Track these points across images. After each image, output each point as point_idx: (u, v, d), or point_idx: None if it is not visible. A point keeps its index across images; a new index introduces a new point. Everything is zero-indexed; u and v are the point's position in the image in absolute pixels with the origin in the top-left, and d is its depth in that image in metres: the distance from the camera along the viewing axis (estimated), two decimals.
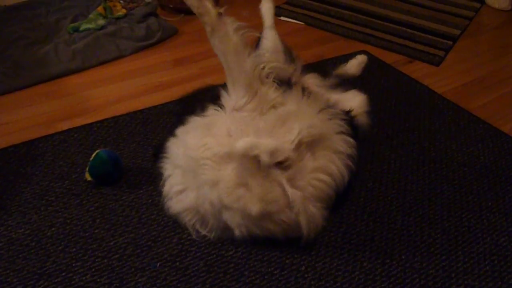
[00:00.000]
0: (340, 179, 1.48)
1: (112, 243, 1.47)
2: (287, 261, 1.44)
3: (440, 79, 2.45)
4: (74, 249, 1.45)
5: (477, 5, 3.37)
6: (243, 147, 1.24)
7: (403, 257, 1.49)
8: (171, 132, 1.56)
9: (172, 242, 1.48)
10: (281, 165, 1.33)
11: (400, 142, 1.96)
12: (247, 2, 3.15)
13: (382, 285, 1.40)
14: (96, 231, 1.50)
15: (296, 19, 2.95)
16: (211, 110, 1.48)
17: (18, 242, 1.45)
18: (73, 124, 1.94)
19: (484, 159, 1.91)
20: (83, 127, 1.93)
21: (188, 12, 2.88)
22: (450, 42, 2.80)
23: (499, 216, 1.66)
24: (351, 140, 1.55)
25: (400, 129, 2.03)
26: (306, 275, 1.41)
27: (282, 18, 2.97)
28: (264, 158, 1.24)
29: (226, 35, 1.45)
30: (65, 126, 1.93)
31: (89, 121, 1.96)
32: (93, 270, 1.39)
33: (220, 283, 1.37)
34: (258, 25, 2.81)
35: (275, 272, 1.41)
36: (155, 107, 2.06)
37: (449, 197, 1.72)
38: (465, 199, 1.72)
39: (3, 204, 1.57)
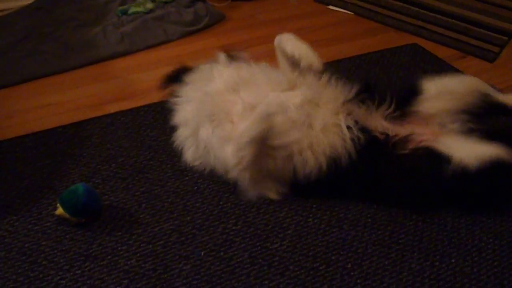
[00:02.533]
0: None
1: (157, 229, 1.47)
2: (333, 257, 1.41)
3: (494, 76, 2.35)
4: (119, 233, 1.45)
5: None
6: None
7: (453, 260, 1.44)
8: None
9: (217, 231, 1.47)
10: None
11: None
12: None
13: None
14: (142, 216, 1.51)
15: (345, 9, 2.88)
16: None
17: (65, 222, 1.46)
18: (120, 107, 1.95)
19: None
20: (130, 110, 1.93)
21: None
22: (506, 38, 2.68)
23: None
24: None
25: None
26: (352, 273, 1.37)
27: (330, 7, 2.90)
28: None
29: None
30: (112, 109, 1.94)
31: (136, 105, 1.97)
32: (138, 255, 1.40)
33: (264, 276, 1.36)
34: (304, 14, 2.79)
35: (321, 268, 1.38)
36: None
37: (502, 202, 1.65)
38: None
39: (51, 184, 1.59)
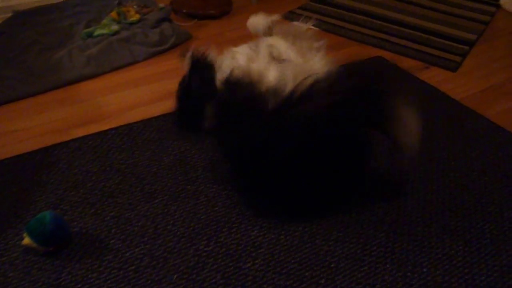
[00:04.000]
0: None
1: (128, 254, 1.45)
2: (306, 274, 1.41)
3: (458, 86, 2.41)
4: (89, 260, 1.43)
5: (493, 9, 3.33)
6: None
7: (424, 270, 1.45)
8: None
9: (189, 253, 1.46)
10: None
11: (418, 151, 1.92)
12: (259, 9, 3.13)
13: None
14: (112, 241, 1.48)
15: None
16: None
17: (33, 252, 1.43)
18: (87, 131, 1.93)
19: (504, 168, 1.87)
20: (98, 134, 1.91)
21: (201, 17, 2.87)
22: (467, 47, 2.76)
23: None
24: None
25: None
26: None
27: (295, 23, 2.93)
28: None
29: None
30: (79, 132, 1.92)
31: (103, 128, 1.95)
32: (109, 282, 1.37)
33: None
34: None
35: (294, 285, 1.38)
36: (169, 114, 2.04)
37: (470, 208, 1.68)
38: (486, 210, 1.68)
39: (18, 212, 1.56)
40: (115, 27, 2.57)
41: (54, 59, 2.34)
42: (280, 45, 1.82)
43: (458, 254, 1.51)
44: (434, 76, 2.46)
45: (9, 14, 2.69)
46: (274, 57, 1.81)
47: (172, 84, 2.24)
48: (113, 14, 2.66)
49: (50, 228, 1.39)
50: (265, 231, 1.54)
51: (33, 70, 2.26)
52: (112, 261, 1.43)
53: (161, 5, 2.83)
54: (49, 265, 1.40)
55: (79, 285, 1.35)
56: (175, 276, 1.39)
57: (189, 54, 1.96)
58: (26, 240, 1.41)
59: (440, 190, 1.74)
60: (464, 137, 2.02)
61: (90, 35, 2.52)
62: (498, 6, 3.37)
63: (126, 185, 1.68)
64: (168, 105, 2.09)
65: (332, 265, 1.44)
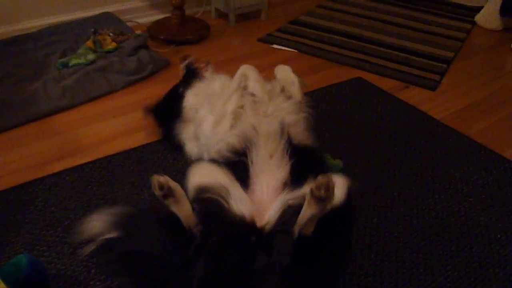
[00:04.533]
0: None
1: None
2: None
3: (438, 104, 2.41)
4: None
5: (469, 26, 3.38)
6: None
7: None
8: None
9: None
10: None
11: (402, 173, 1.91)
12: (237, 32, 3.14)
13: None
14: (91, 283, 1.43)
15: (288, 47, 2.92)
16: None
17: None
18: (64, 166, 1.87)
19: (489, 188, 1.86)
20: (75, 168, 1.86)
21: (179, 42, 2.85)
22: (445, 65, 2.78)
23: (509, 249, 1.60)
24: None
25: (401, 159, 1.98)
26: None
27: (274, 46, 2.94)
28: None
29: None
30: (56, 168, 1.86)
31: (81, 161, 1.90)
32: None
33: None
34: (249, 55, 2.80)
35: None
36: (149, 144, 2.00)
37: (457, 231, 1.66)
38: (473, 232, 1.66)
39: None
40: (91, 56, 2.53)
41: (29, 91, 2.28)
42: (252, 78, 1.78)
43: (448, 280, 1.49)
44: (414, 96, 2.47)
45: None
46: (243, 87, 1.77)
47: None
48: (89, 43, 2.62)
49: (26, 272, 1.34)
50: None
51: (7, 103, 2.20)
52: None
53: (138, 32, 2.80)
54: None
55: None
56: None
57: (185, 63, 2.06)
58: (1, 286, 1.34)
59: (425, 214, 1.72)
60: (447, 157, 2.02)
61: (65, 65, 2.47)
62: (474, 23, 3.42)
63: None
64: (147, 135, 2.06)
65: None
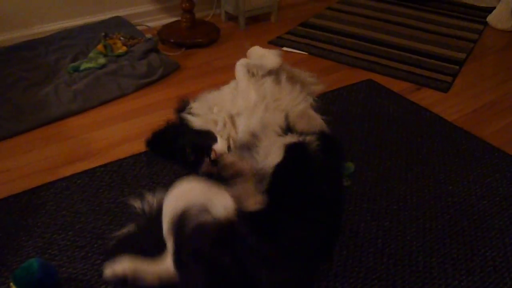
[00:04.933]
0: None
1: None
2: None
3: (450, 106, 2.39)
4: None
5: (480, 27, 3.34)
6: None
7: None
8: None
9: None
10: None
11: (415, 176, 1.89)
12: (247, 35, 3.14)
13: None
14: (103, 287, 1.42)
15: (298, 49, 2.91)
16: None
17: None
18: (75, 170, 1.88)
19: (503, 191, 1.84)
20: (86, 172, 1.86)
21: (189, 46, 2.85)
22: (457, 67, 2.76)
23: None
24: None
25: (414, 162, 1.96)
26: None
27: (284, 48, 2.93)
28: None
29: None
30: (67, 171, 1.87)
31: (92, 165, 1.90)
32: None
33: None
34: None
35: None
36: None
37: (470, 234, 1.64)
38: (487, 236, 1.64)
39: (3, 259, 1.50)
40: (102, 60, 2.54)
41: (41, 95, 2.30)
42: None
43: (462, 284, 1.47)
44: (426, 98, 2.44)
45: None
46: (253, 73, 1.81)
47: (162, 117, 2.20)
48: (100, 47, 2.63)
49: (38, 276, 1.34)
50: None
51: (19, 108, 2.21)
52: None
53: (148, 35, 2.81)
54: None
55: None
56: None
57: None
58: None
59: (439, 217, 1.70)
60: (460, 159, 1.99)
61: (76, 69, 2.48)
62: (486, 24, 3.38)
63: (117, 225, 1.62)
64: None
65: None
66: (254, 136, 1.57)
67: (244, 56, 2.69)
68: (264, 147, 1.51)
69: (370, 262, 1.52)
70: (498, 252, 1.58)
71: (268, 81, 1.78)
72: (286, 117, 1.62)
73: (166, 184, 1.78)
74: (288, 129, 1.58)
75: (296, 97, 1.75)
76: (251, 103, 1.71)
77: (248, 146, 1.55)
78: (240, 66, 1.87)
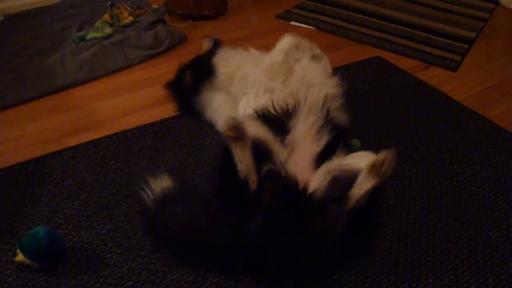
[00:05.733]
0: None
1: (125, 269, 1.40)
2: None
3: (458, 86, 2.37)
4: (85, 276, 1.38)
5: (492, 5, 3.29)
6: None
7: (430, 280, 1.42)
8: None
9: (187, 267, 1.41)
10: None
11: (420, 155, 1.89)
12: (255, 8, 3.10)
13: None
14: (108, 255, 1.44)
15: (307, 24, 2.88)
16: None
17: (27, 269, 1.38)
18: (81, 140, 1.88)
19: (508, 172, 1.83)
20: (92, 142, 1.86)
21: (196, 17, 2.82)
22: (466, 46, 2.72)
23: None
24: None
25: (420, 141, 1.96)
26: None
27: (292, 23, 2.89)
28: None
29: None
30: (73, 141, 1.87)
31: (97, 136, 1.90)
32: None
33: None
34: (266, 32, 2.76)
35: None
36: (165, 120, 1.99)
37: (474, 214, 1.64)
38: (491, 216, 1.64)
39: (10, 227, 1.51)
40: (108, 30, 2.51)
41: (46, 64, 2.28)
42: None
43: (464, 263, 1.48)
44: (434, 77, 2.42)
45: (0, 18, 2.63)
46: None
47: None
48: (106, 16, 2.60)
49: (44, 244, 1.35)
50: None
51: (24, 76, 2.20)
52: (108, 277, 1.38)
53: (155, 6, 2.77)
54: (44, 282, 1.36)
55: None
56: None
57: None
58: (20, 257, 1.36)
59: (443, 196, 1.71)
60: (467, 139, 1.98)
61: (82, 39, 2.46)
62: (497, 3, 3.33)
63: (122, 196, 1.63)
64: (164, 110, 2.05)
65: (335, 277, 1.40)
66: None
67: (252, 30, 2.68)
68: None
69: (374, 239, 1.53)
70: (501, 232, 1.59)
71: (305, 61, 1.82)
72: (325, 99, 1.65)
73: (171, 157, 1.80)
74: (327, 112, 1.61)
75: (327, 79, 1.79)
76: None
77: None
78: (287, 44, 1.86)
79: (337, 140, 1.54)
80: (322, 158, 1.47)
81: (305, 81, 1.73)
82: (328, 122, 1.56)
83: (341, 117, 1.71)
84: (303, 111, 1.56)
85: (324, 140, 1.52)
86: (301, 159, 1.47)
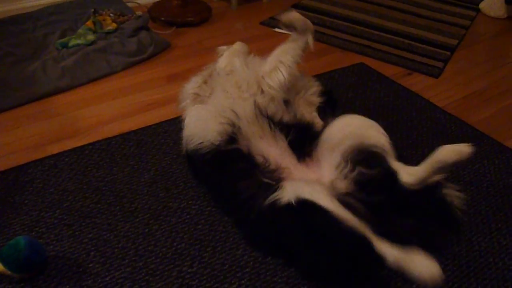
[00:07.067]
0: None
1: (108, 279, 1.39)
2: None
3: (441, 92, 2.39)
4: (67, 286, 1.36)
5: (473, 13, 3.34)
6: None
7: (414, 286, 1.42)
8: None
9: (172, 276, 1.40)
10: None
11: (403, 160, 1.88)
12: (239, 15, 3.10)
13: None
14: (91, 265, 1.42)
15: (291, 31, 2.88)
16: None
17: (7, 279, 1.36)
18: (63, 147, 1.85)
19: (490, 177, 1.85)
20: (74, 150, 1.84)
21: (180, 24, 2.81)
22: (448, 53, 2.76)
23: (510, 239, 1.60)
24: None
25: (403, 146, 1.97)
26: None
27: (276, 29, 2.90)
28: None
29: None
30: (55, 149, 1.85)
31: (80, 143, 1.88)
32: None
33: None
34: (250, 38, 2.76)
35: None
36: (149, 127, 1.98)
37: (457, 221, 1.65)
38: (474, 221, 1.66)
39: None
40: (91, 36, 2.49)
41: (28, 71, 2.26)
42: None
43: (448, 268, 1.49)
44: (417, 83, 2.44)
45: None
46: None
47: (151, 95, 2.19)
48: (89, 23, 2.58)
49: (25, 254, 1.33)
50: (250, 250, 1.49)
51: (6, 83, 2.17)
52: (91, 286, 1.37)
53: (138, 13, 2.76)
54: None
55: None
56: None
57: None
58: (0, 268, 1.34)
59: None
60: None
61: (65, 46, 2.44)
62: (478, 10, 3.38)
63: (105, 204, 1.62)
64: (147, 117, 2.04)
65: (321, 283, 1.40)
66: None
67: (237, 36, 2.68)
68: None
69: None
70: (484, 237, 1.60)
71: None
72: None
73: (155, 164, 1.78)
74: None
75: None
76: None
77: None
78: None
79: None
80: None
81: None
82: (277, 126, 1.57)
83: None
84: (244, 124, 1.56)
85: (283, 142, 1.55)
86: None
